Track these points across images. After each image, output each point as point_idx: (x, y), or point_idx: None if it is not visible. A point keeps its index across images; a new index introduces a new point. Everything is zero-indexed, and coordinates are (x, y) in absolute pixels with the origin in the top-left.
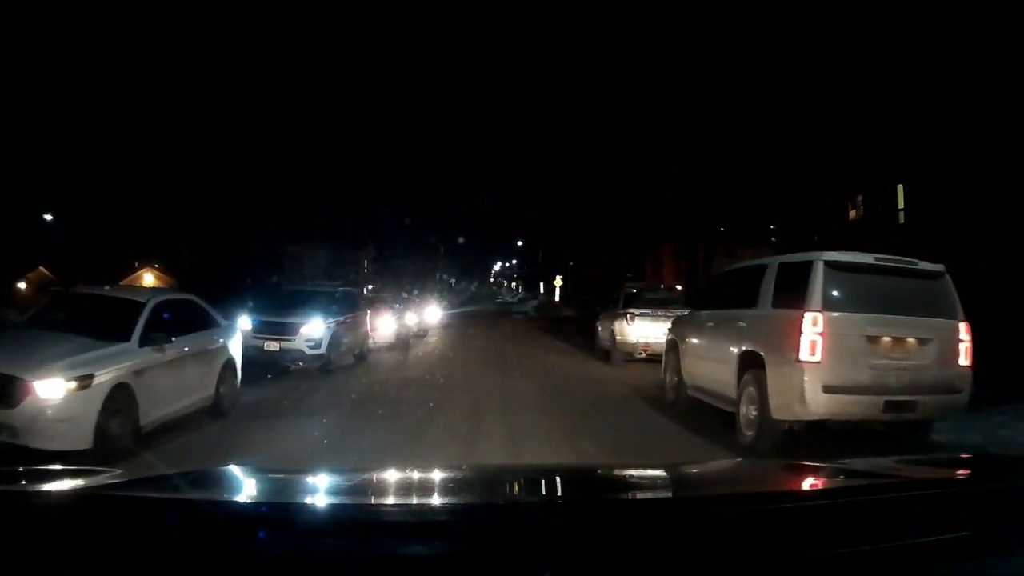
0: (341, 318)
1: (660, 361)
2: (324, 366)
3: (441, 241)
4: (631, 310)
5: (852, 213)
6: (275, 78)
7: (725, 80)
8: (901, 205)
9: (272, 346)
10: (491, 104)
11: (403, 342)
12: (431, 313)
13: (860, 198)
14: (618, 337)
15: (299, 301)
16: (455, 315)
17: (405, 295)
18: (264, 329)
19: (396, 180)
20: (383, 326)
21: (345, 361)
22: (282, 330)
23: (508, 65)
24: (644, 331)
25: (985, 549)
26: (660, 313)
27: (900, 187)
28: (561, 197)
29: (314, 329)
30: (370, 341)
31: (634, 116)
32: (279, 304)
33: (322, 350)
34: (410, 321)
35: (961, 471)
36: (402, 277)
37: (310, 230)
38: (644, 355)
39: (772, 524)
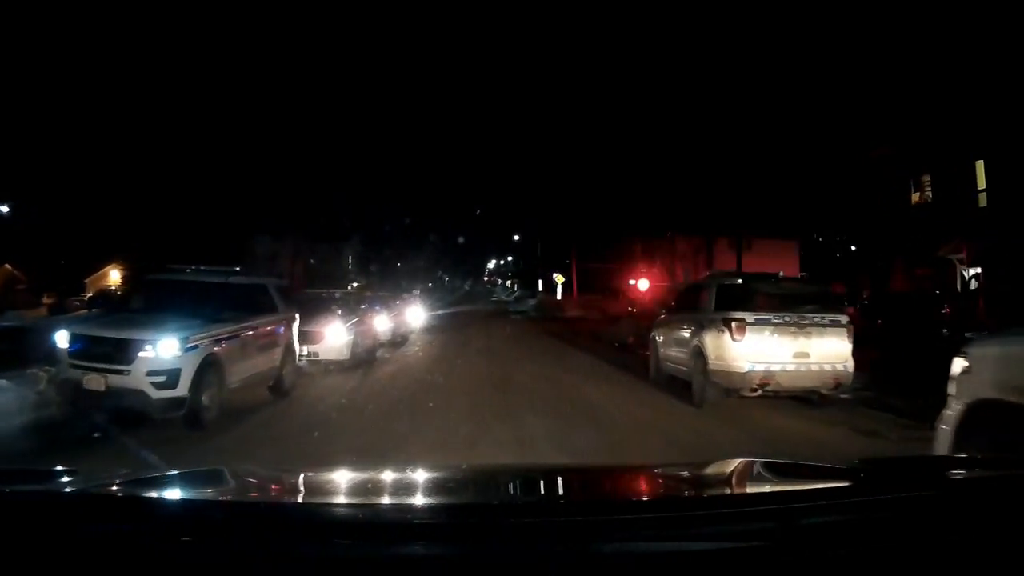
0: (227, 330)
1: (790, 398)
2: (190, 418)
3: (434, 238)
4: (738, 315)
5: (915, 196)
6: (254, 65)
7: (753, 45)
8: (982, 185)
9: (95, 382)
10: (489, 90)
11: (366, 357)
12: (414, 315)
13: (927, 178)
14: (713, 360)
15: (161, 301)
16: (445, 316)
17: (385, 293)
18: (85, 352)
19: (387, 173)
20: (333, 336)
21: (247, 400)
22: (111, 354)
23: (507, 45)
24: (765, 351)
25: (982, 550)
26: (790, 320)
27: (980, 163)
28: (564, 188)
29: (165, 351)
30: (299, 362)
31: (646, 96)
32: (134, 307)
33: (178, 390)
34: (382, 327)
35: (961, 472)
36: (391, 274)
37: (287, 223)
38: (759, 392)
39: (773, 524)
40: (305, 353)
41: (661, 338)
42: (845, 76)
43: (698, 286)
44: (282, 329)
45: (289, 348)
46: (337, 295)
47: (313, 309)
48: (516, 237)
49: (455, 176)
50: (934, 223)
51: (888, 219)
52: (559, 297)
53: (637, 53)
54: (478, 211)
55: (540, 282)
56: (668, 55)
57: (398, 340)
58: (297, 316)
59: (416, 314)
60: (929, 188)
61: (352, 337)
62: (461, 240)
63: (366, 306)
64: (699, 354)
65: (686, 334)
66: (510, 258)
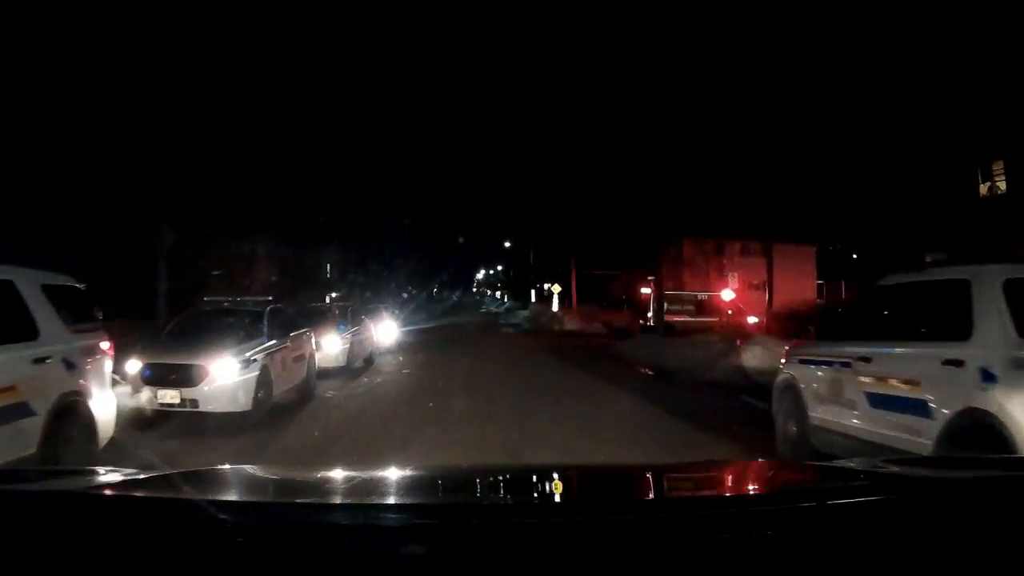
0: None
1: None
2: None
3: (422, 247)
4: None
5: (983, 188)
6: (220, 47)
7: (780, 23)
8: None
9: None
10: (478, 80)
11: (292, 400)
12: (387, 330)
13: (999, 165)
14: None
15: None
16: (429, 330)
17: (344, 303)
18: None
19: (371, 176)
20: (221, 374)
21: None
22: None
23: (497, 31)
24: None
25: (982, 550)
26: None
27: None
28: (561, 190)
29: None
30: (102, 434)
31: (653, 87)
32: None
33: None
34: (333, 349)
35: (962, 472)
36: (375, 283)
37: (263, 227)
38: None
39: (773, 524)
40: (175, 402)
41: (815, 386)
42: (888, 50)
43: (929, 285)
44: None
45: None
46: (250, 306)
47: (196, 331)
48: (507, 244)
49: (443, 179)
50: (1011, 218)
51: (946, 216)
52: (555, 308)
53: (649, 40)
54: (471, 223)
55: (533, 292)
56: (682, 42)
57: (358, 366)
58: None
59: (389, 329)
60: (1003, 177)
61: (256, 374)
62: (450, 250)
63: (301, 321)
64: (977, 433)
65: (912, 389)
66: (500, 267)
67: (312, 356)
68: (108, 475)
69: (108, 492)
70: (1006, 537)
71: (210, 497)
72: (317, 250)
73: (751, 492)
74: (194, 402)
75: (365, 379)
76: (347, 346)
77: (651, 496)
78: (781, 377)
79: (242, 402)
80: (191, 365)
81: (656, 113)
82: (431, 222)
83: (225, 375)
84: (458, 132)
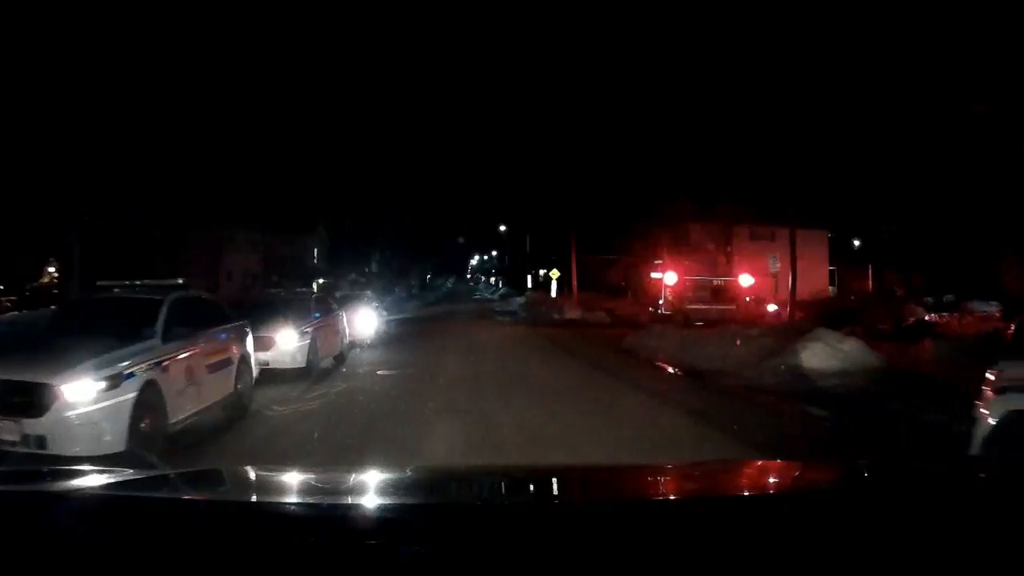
0: None
1: None
2: None
3: (414, 233)
4: None
5: None
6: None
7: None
8: None
9: None
10: (470, 53)
11: (192, 428)
12: (365, 322)
13: None
14: None
15: None
16: (419, 320)
17: (307, 290)
18: None
19: (360, 160)
20: (77, 396)
21: None
22: None
23: (493, 10)
24: None
25: (984, 550)
26: None
27: None
28: (559, 170)
29: None
30: None
31: (657, 63)
32: None
33: None
34: (289, 344)
35: (959, 473)
36: (367, 271)
37: (242, 212)
38: None
39: (771, 524)
40: (13, 439)
41: None
42: (918, 21)
43: None
44: None
45: None
46: (146, 293)
47: (65, 331)
48: (502, 228)
49: (437, 163)
50: None
51: (983, 196)
52: (554, 295)
53: (658, 15)
54: (465, 210)
55: (529, 278)
56: (688, 16)
57: (324, 366)
58: None
59: (368, 320)
60: None
61: (133, 396)
62: (444, 236)
63: (232, 312)
64: None
65: None
66: (494, 253)
67: (246, 359)
68: (108, 475)
69: (108, 492)
70: (1006, 537)
71: (210, 497)
72: (304, 237)
73: (752, 492)
74: (40, 440)
75: (327, 386)
76: (307, 342)
77: (650, 496)
78: (1005, 410)
79: (110, 439)
80: (35, 384)
81: (663, 90)
82: (425, 209)
83: (83, 398)
84: (452, 111)
